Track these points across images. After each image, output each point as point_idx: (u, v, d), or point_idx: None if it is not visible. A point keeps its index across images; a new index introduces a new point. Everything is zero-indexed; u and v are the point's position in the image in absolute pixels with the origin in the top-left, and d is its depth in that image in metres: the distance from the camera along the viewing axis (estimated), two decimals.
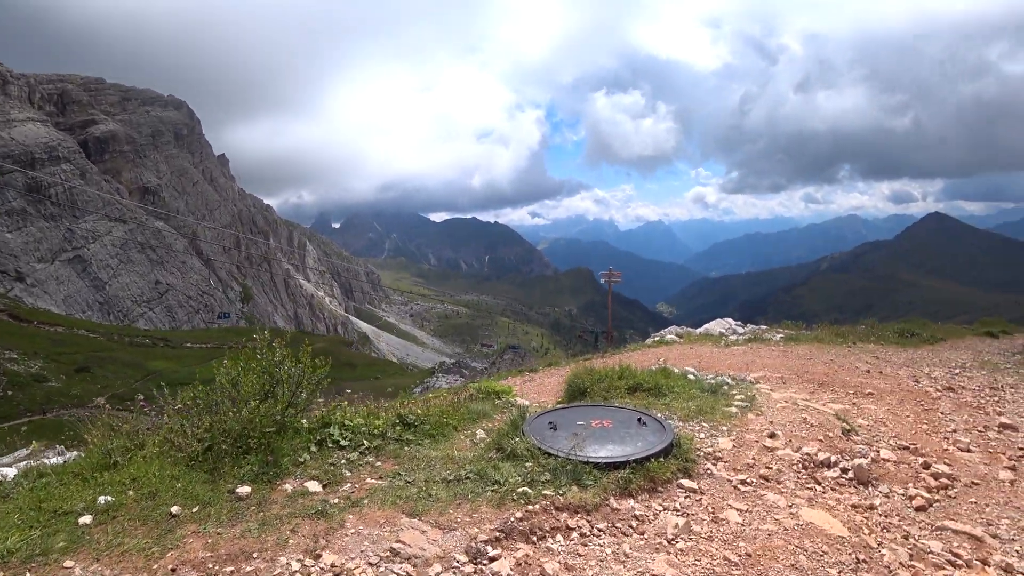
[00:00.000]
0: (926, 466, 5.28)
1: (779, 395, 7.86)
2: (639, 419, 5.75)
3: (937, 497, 4.71)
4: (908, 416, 7.44)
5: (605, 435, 5.38)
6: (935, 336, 16.86)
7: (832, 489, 4.75)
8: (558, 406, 6.68)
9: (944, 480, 4.99)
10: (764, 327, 18.69)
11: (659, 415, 6.12)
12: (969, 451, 6.05)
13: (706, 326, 18.40)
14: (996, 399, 8.89)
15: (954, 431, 6.91)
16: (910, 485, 4.89)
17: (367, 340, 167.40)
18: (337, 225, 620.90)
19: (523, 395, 9.64)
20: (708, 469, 5.05)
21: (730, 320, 19.12)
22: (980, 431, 6.93)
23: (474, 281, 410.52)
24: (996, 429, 7.04)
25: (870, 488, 4.80)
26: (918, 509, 4.48)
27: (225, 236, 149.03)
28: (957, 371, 11.32)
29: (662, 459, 4.86)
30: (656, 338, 17.43)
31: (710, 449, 5.49)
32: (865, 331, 16.79)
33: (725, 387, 7.82)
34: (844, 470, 4.96)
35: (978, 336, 18.22)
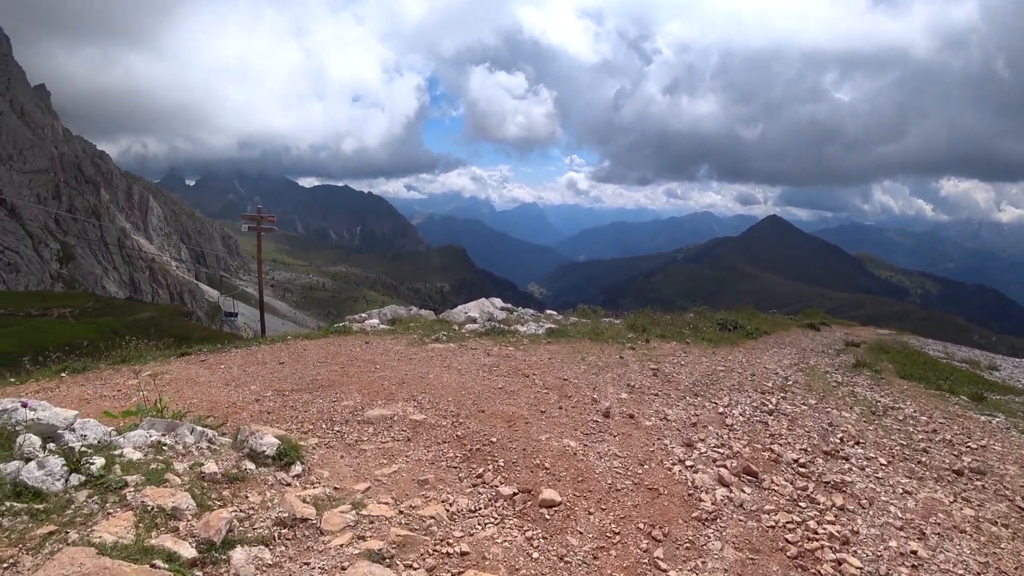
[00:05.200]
0: None
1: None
2: None
3: None
4: None
5: None
6: (759, 328, 15.03)
7: None
8: None
9: None
10: (531, 312, 15.49)
11: None
12: None
13: (461, 307, 14.93)
14: (840, 502, 4.91)
15: None
16: None
17: (218, 310, 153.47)
18: (191, 183, 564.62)
19: None
20: None
21: (496, 302, 15.86)
22: None
23: (343, 252, 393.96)
24: None
25: None
26: None
27: (40, 183, 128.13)
28: (775, 401, 7.51)
29: None
30: (347, 323, 13.32)
31: None
32: (680, 322, 14.59)
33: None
34: None
35: (801, 328, 18.00)
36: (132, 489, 3.79)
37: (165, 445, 4.63)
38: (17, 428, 4.38)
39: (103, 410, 5.83)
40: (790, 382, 9.13)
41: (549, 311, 16.14)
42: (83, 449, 4.12)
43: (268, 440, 4.83)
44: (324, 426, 5.98)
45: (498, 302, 15.90)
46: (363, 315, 14.40)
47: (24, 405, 4.63)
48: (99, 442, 4.46)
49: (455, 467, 5.07)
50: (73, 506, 3.54)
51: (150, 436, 4.75)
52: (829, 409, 7.72)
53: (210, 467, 4.31)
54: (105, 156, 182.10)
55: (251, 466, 4.57)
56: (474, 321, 13.29)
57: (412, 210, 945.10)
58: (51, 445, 4.15)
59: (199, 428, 4.98)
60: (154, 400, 5.68)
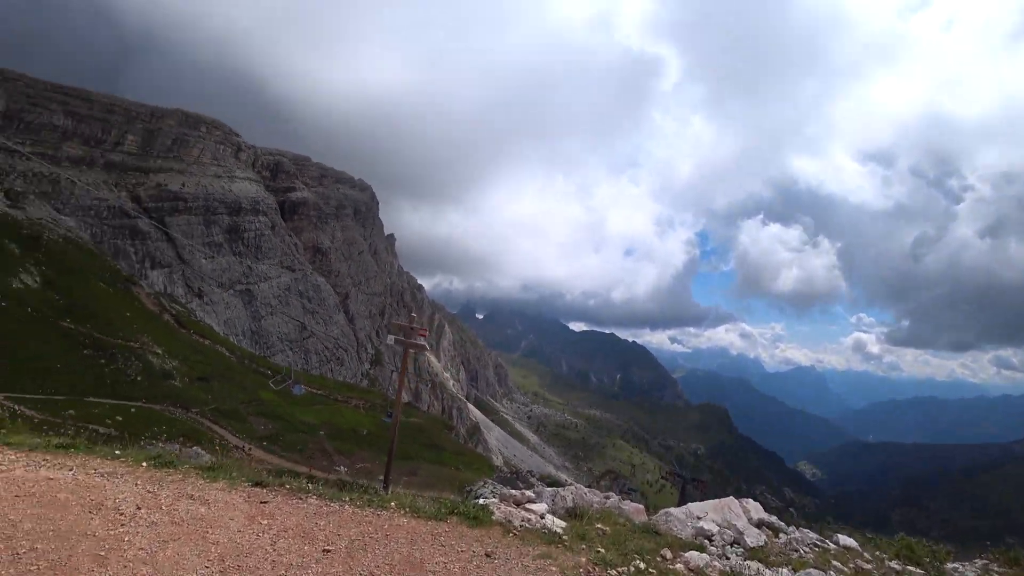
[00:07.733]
0: None
1: None
2: None
3: None
4: None
5: None
6: None
7: None
8: None
9: None
10: (812, 538, 9.39)
11: None
12: None
13: (691, 507, 9.35)
14: None
15: None
16: None
17: (477, 429, 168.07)
18: (481, 316, 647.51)
19: None
20: None
21: (751, 508, 10.03)
22: None
23: (601, 397, 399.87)
24: None
25: None
26: None
27: (373, 303, 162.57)
28: None
29: None
30: (495, 500, 8.71)
31: None
32: None
33: None
34: None
35: None
36: None
37: None
38: None
39: None
40: None
41: (844, 540, 9.71)
42: None
43: None
44: None
45: (754, 509, 10.05)
46: (531, 492, 9.84)
47: None
48: None
49: None
50: None
51: None
52: None
53: None
54: (421, 288, 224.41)
55: None
56: (707, 541, 8.17)
57: (675, 363, 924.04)
58: None
59: None
60: None
